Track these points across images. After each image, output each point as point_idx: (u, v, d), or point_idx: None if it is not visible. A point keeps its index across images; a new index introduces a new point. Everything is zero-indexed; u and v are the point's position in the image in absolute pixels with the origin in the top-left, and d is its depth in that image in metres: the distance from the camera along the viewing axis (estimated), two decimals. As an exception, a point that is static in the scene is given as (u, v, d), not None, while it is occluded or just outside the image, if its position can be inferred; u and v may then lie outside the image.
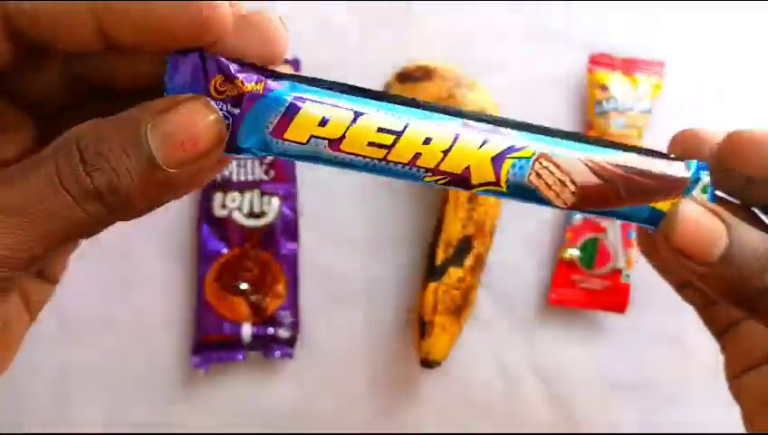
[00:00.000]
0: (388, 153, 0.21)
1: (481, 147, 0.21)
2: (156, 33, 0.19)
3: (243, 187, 0.46)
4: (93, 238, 0.21)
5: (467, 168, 0.21)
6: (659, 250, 0.22)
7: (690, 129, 0.24)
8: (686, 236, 0.21)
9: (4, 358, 0.23)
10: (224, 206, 0.46)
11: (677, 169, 0.22)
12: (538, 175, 0.22)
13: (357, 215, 0.47)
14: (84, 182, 0.18)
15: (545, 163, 0.22)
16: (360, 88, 0.21)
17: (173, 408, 0.46)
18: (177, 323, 0.46)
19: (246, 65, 0.20)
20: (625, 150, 0.22)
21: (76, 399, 0.46)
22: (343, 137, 0.21)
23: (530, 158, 0.21)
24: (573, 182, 0.22)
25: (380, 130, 0.21)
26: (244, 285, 0.46)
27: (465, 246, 0.44)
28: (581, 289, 0.47)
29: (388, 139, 0.21)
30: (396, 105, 0.21)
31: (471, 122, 0.21)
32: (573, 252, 0.47)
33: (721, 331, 0.25)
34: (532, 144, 0.22)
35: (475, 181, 0.21)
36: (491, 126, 0.22)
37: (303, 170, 0.47)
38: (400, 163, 0.21)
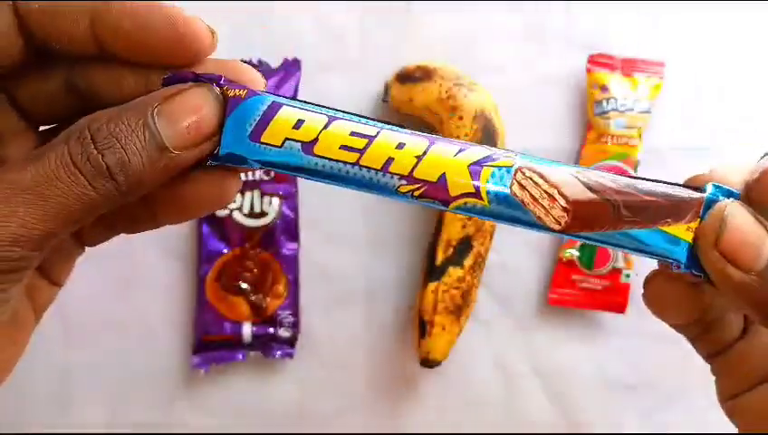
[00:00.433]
0: (360, 157, 0.21)
1: (457, 154, 0.21)
2: (141, 43, 0.20)
3: (243, 187, 0.46)
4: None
5: (443, 175, 0.20)
6: (705, 254, 0.20)
7: (704, 173, 0.22)
8: (734, 241, 0.20)
9: (13, 354, 0.23)
10: (224, 206, 0.46)
11: (687, 191, 0.21)
12: (521, 186, 0.20)
13: (357, 215, 0.47)
14: (95, 160, 0.19)
15: (528, 173, 0.20)
16: (338, 109, 0.21)
17: (174, 407, 0.46)
18: (178, 323, 0.47)
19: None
20: (621, 177, 0.20)
21: (77, 399, 0.46)
22: (316, 140, 0.21)
23: (510, 167, 0.20)
24: (563, 195, 0.20)
25: (353, 133, 0.21)
26: (244, 285, 0.46)
27: (464, 245, 0.44)
28: (581, 289, 0.47)
29: (361, 142, 0.21)
30: (370, 119, 0.21)
31: (445, 138, 0.21)
32: (573, 252, 0.47)
33: (714, 353, 0.25)
34: (513, 158, 0.21)
35: (453, 192, 0.20)
36: (466, 143, 0.21)
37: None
38: (373, 169, 0.21)
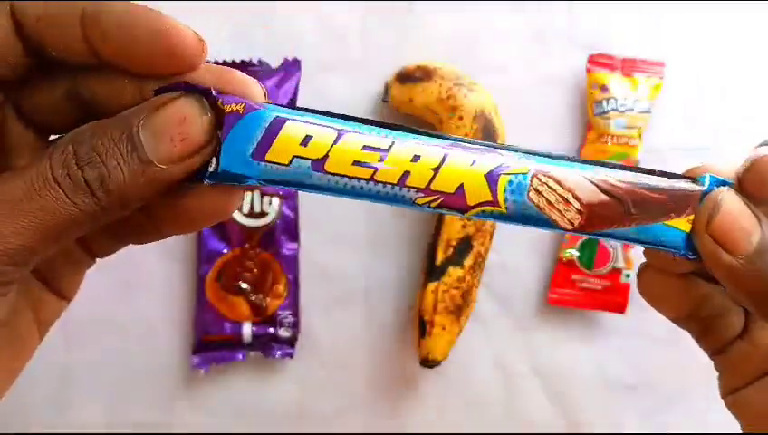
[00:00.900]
0: (375, 172, 0.20)
1: (472, 164, 0.20)
2: (129, 52, 0.19)
3: (243, 187, 0.46)
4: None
5: (461, 186, 0.20)
6: (698, 237, 0.21)
7: (699, 166, 0.23)
8: (725, 225, 0.21)
9: (12, 370, 0.22)
10: (224, 206, 0.46)
11: (686, 184, 0.21)
12: (538, 192, 0.21)
13: (357, 215, 0.47)
14: (75, 175, 0.19)
15: (544, 179, 0.21)
16: (343, 114, 0.21)
17: (174, 407, 0.46)
18: (178, 322, 0.47)
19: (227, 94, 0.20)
20: (623, 169, 0.21)
21: (77, 399, 0.46)
22: (327, 156, 0.20)
23: (526, 174, 0.21)
24: (578, 199, 0.21)
25: (366, 147, 0.20)
26: (244, 285, 0.46)
27: (464, 245, 0.44)
28: (581, 289, 0.47)
29: (375, 157, 0.20)
30: (379, 127, 0.20)
31: (458, 143, 0.21)
32: (573, 252, 0.47)
33: (716, 351, 0.25)
34: (526, 162, 0.21)
35: (470, 201, 0.20)
36: (478, 147, 0.21)
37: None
38: (389, 184, 0.20)
